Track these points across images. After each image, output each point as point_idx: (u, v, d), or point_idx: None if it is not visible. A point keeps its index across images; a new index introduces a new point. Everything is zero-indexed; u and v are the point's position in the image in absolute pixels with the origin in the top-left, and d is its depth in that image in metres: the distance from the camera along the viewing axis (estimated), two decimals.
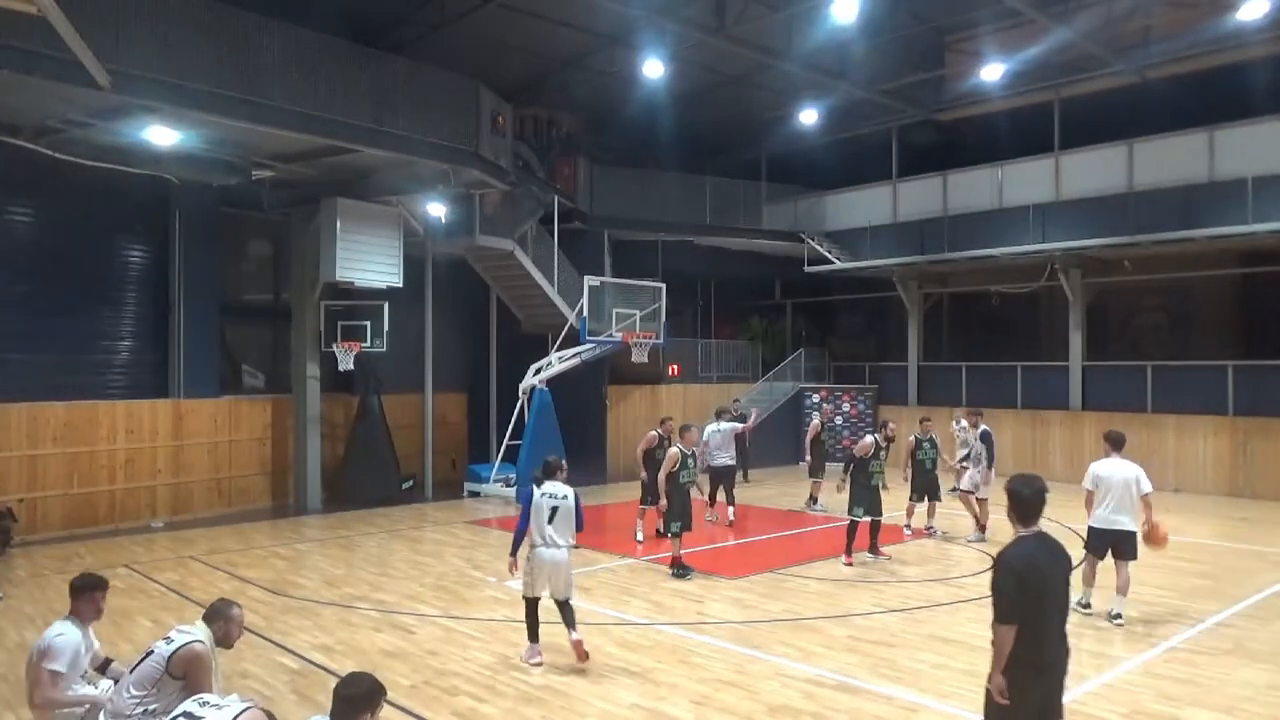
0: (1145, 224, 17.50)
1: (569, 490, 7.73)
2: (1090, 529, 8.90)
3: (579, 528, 7.73)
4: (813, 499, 15.88)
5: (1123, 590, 8.70)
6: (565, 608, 7.62)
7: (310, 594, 10.10)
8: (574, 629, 7.55)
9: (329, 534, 13.99)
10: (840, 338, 27.29)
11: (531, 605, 7.72)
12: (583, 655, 7.43)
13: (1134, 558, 8.72)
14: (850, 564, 11.34)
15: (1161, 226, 17.29)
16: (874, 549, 11.76)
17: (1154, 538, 8.57)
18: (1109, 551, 8.75)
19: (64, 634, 5.43)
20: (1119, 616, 8.68)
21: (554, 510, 7.61)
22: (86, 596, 5.67)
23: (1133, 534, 8.67)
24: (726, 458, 14.43)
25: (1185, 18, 16.39)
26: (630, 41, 17.34)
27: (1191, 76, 17.38)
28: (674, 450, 11.11)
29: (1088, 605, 8.91)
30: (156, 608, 9.41)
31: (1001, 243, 19.55)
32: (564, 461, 8.05)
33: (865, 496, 11.68)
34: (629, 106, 20.51)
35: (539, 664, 7.56)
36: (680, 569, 10.80)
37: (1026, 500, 4.42)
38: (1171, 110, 17.83)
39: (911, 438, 13.27)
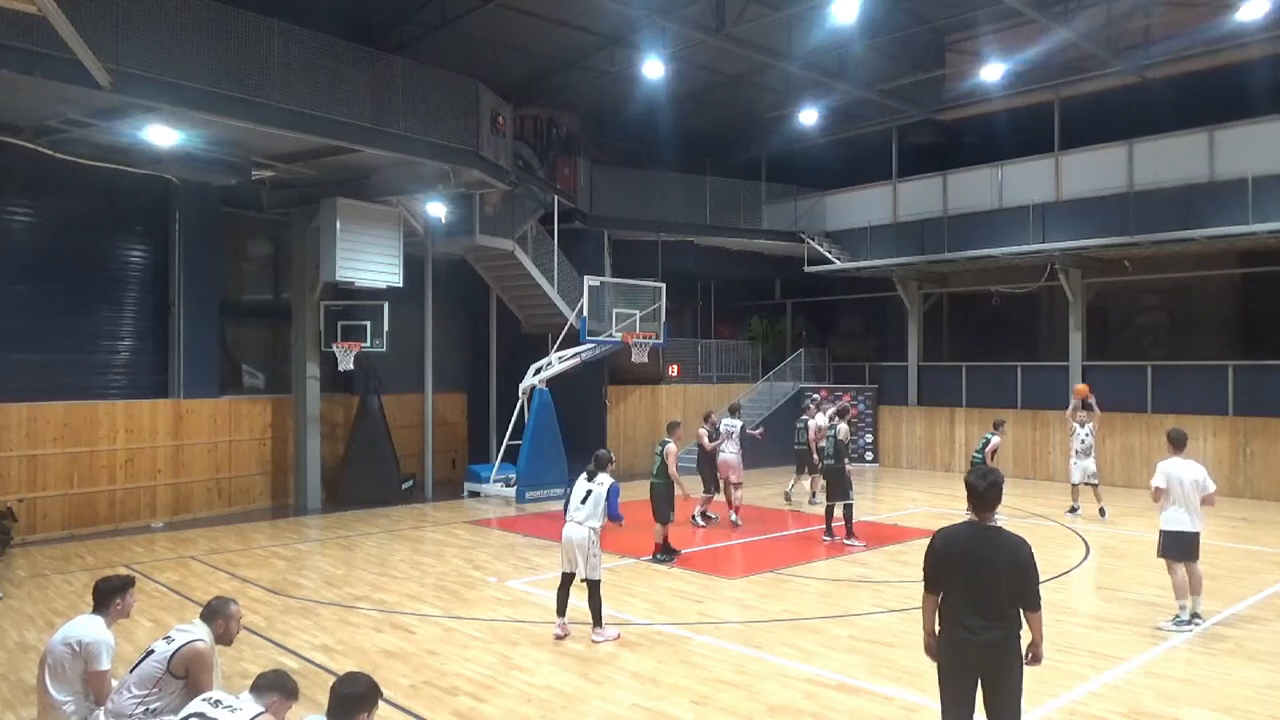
0: (1145, 224, 17.49)
1: (607, 480, 8.52)
2: (1170, 534, 8.50)
3: (613, 514, 8.49)
4: (813, 494, 16.23)
5: (1198, 589, 8.57)
6: (591, 595, 8.28)
7: (310, 594, 10.10)
8: (597, 624, 8.29)
9: (329, 534, 13.99)
10: (840, 338, 27.30)
11: (561, 580, 8.50)
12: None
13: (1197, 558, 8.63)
14: (861, 544, 12.27)
15: (1161, 226, 17.28)
16: (829, 531, 12.62)
17: None
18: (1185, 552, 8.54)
19: (98, 632, 5.33)
20: (1198, 615, 8.60)
21: (588, 494, 8.42)
22: (116, 598, 5.57)
23: (1198, 534, 8.56)
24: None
25: (1185, 18, 16.38)
26: (630, 41, 17.35)
27: (1191, 76, 17.38)
28: (672, 446, 12.05)
29: (1195, 618, 8.52)
30: (156, 608, 9.40)
31: (1001, 243, 19.55)
32: (613, 456, 8.94)
33: (848, 479, 12.66)
34: (629, 106, 20.52)
35: (560, 636, 8.27)
36: (664, 555, 11.67)
37: (978, 492, 4.85)
38: (1171, 110, 17.84)
39: (996, 438, 14.38)
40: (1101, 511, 14.51)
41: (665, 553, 11.64)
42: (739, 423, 14.54)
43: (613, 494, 8.43)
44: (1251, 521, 14.75)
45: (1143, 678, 7.25)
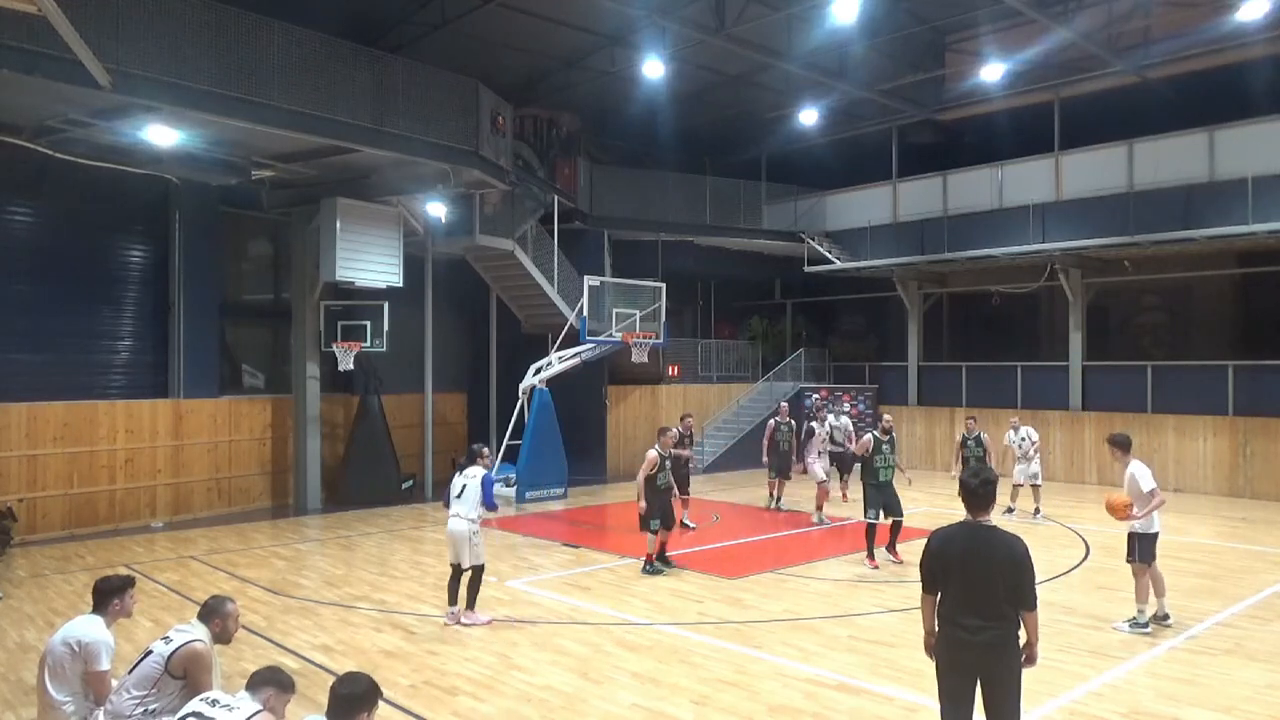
0: (1145, 224, 17.49)
1: (479, 472, 8.87)
2: (1150, 536, 8.37)
3: (486, 503, 8.79)
4: (773, 498, 15.95)
5: (1163, 591, 8.57)
6: (471, 579, 8.72)
7: (310, 594, 10.10)
8: (469, 607, 8.71)
9: (329, 534, 13.99)
10: (840, 338, 27.30)
11: (452, 571, 8.87)
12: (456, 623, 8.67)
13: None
14: (875, 566, 11.20)
15: (1161, 226, 17.28)
16: (890, 549, 11.51)
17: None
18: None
19: (97, 632, 5.32)
20: (1168, 617, 8.59)
21: (463, 488, 8.77)
22: (115, 598, 5.55)
23: None
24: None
25: (1185, 18, 16.39)
26: (630, 41, 17.35)
27: (1191, 76, 17.38)
28: (652, 453, 11.17)
29: (1164, 619, 8.54)
30: (156, 608, 9.40)
31: (1001, 243, 19.55)
32: (485, 450, 9.30)
33: (874, 497, 11.46)
34: (629, 106, 20.52)
35: (448, 624, 8.69)
36: (652, 565, 11.04)
37: (971, 490, 4.87)
38: (1171, 110, 17.83)
39: (959, 436, 13.91)
40: (1033, 511, 14.71)
41: (650, 564, 11.09)
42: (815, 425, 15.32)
43: (485, 484, 8.77)
44: (1251, 521, 14.75)
45: (1143, 678, 7.24)
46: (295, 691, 4.60)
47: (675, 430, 13.79)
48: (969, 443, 14.16)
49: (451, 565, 8.84)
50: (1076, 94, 18.74)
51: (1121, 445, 8.66)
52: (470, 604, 8.73)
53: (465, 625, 8.58)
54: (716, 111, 21.97)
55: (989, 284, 21.97)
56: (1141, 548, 8.39)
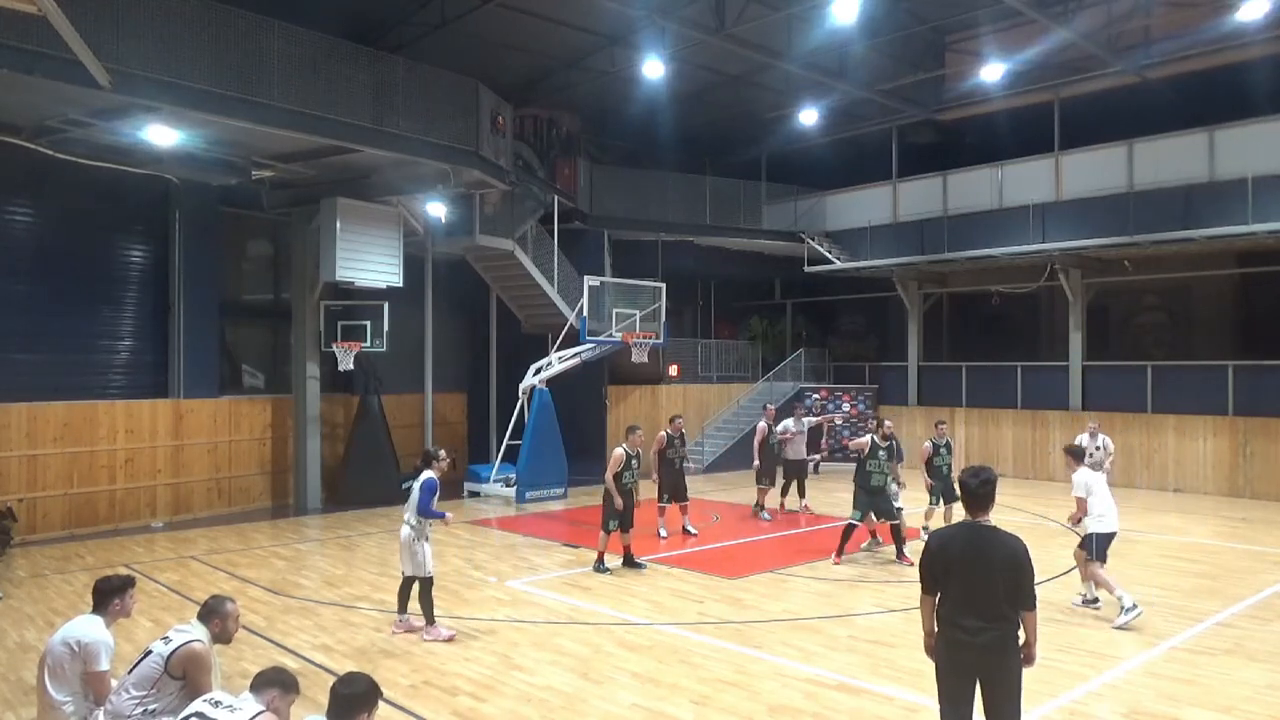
0: (1145, 224, 17.49)
1: (424, 476, 8.44)
2: (1101, 536, 9.00)
3: (419, 510, 8.33)
4: (760, 506, 15.19)
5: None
6: (420, 591, 8.39)
7: (310, 594, 10.10)
8: (429, 622, 8.32)
9: (329, 534, 13.99)
10: (840, 338, 27.30)
11: (402, 579, 8.59)
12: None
13: None
14: (838, 563, 11.37)
15: (1161, 226, 17.27)
16: (899, 555, 11.46)
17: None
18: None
19: (97, 632, 5.32)
20: (1096, 601, 9.26)
21: (408, 492, 8.47)
22: (115, 598, 5.54)
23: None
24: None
25: (1185, 18, 16.39)
26: (630, 41, 17.35)
27: (1191, 76, 17.37)
28: (619, 451, 11.14)
29: (1095, 600, 9.26)
30: (157, 608, 9.40)
31: (1001, 243, 19.54)
32: (441, 452, 8.74)
33: (863, 500, 11.50)
34: (629, 106, 20.52)
35: (395, 633, 8.48)
36: (602, 565, 11.08)
37: (971, 490, 4.87)
38: (1171, 110, 17.83)
39: (928, 443, 12.82)
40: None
41: (602, 560, 11.14)
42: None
43: (424, 489, 8.31)
44: (1251, 521, 14.75)
45: (1143, 678, 7.24)
46: (299, 693, 4.59)
47: (664, 433, 13.81)
48: (941, 449, 12.61)
49: (403, 574, 8.55)
50: (1076, 94, 18.73)
51: (1074, 455, 9.43)
52: (429, 619, 8.31)
53: (426, 640, 8.18)
54: (716, 111, 21.96)
55: (989, 284, 21.96)
56: (1097, 545, 8.98)
